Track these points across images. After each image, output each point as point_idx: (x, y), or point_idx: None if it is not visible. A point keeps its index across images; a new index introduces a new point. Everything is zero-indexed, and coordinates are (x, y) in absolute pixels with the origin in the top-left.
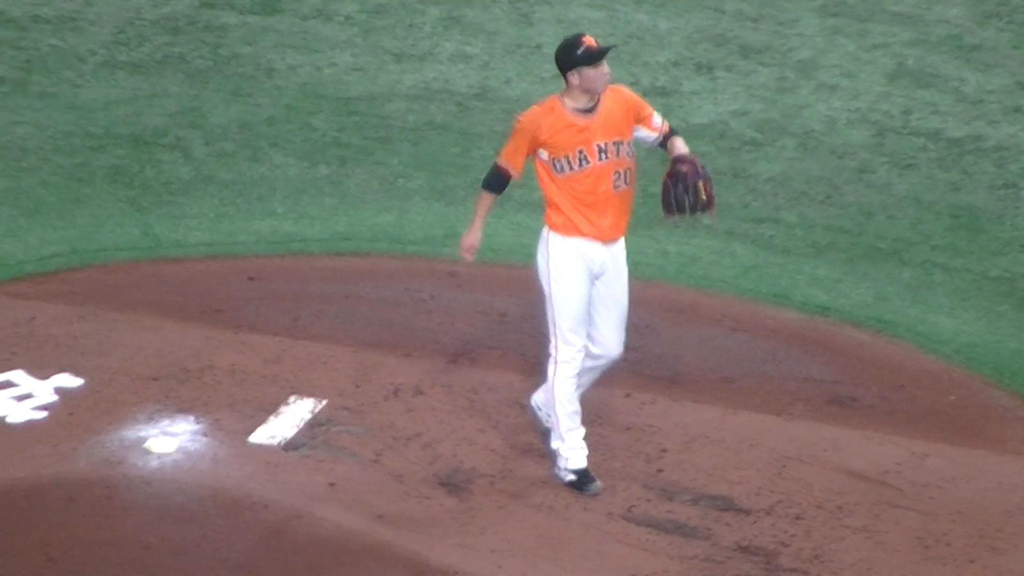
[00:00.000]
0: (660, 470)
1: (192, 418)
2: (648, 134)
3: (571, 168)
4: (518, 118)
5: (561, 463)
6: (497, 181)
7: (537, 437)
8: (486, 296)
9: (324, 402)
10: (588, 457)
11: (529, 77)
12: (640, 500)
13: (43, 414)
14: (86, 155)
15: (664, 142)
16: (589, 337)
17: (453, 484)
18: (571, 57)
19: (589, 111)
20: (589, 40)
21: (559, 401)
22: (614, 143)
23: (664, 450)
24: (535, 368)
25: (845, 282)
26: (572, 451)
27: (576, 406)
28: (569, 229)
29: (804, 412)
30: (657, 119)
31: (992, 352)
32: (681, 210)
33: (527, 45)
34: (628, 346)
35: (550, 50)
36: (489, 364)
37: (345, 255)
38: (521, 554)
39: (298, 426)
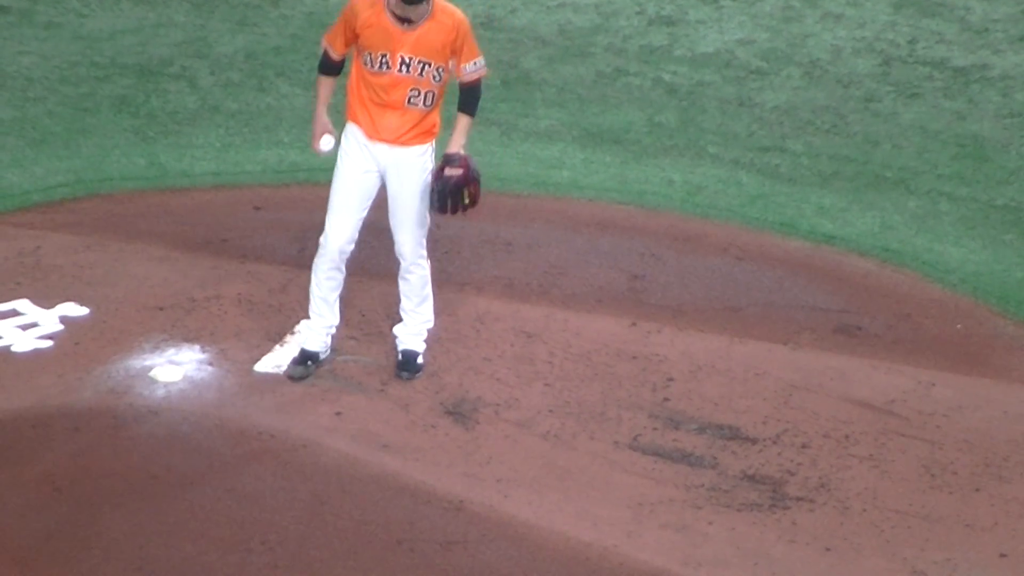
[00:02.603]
0: (666, 399)
1: (198, 347)
2: (453, 72)
3: (372, 66)
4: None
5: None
6: (324, 61)
7: (545, 367)
8: (491, 225)
9: None
10: (427, 354)
11: (535, 6)
12: (646, 429)
13: (48, 343)
14: (92, 85)
15: (461, 100)
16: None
17: (459, 413)
18: None
19: (409, 22)
20: None
21: (311, 282)
22: (419, 61)
23: (670, 379)
24: (541, 297)
25: (851, 211)
26: (309, 331)
27: (324, 294)
28: (352, 116)
29: (810, 341)
30: (469, 67)
31: (998, 281)
32: (443, 211)
33: None
34: (634, 274)
35: None
36: (494, 293)
37: None
38: (527, 483)
39: None
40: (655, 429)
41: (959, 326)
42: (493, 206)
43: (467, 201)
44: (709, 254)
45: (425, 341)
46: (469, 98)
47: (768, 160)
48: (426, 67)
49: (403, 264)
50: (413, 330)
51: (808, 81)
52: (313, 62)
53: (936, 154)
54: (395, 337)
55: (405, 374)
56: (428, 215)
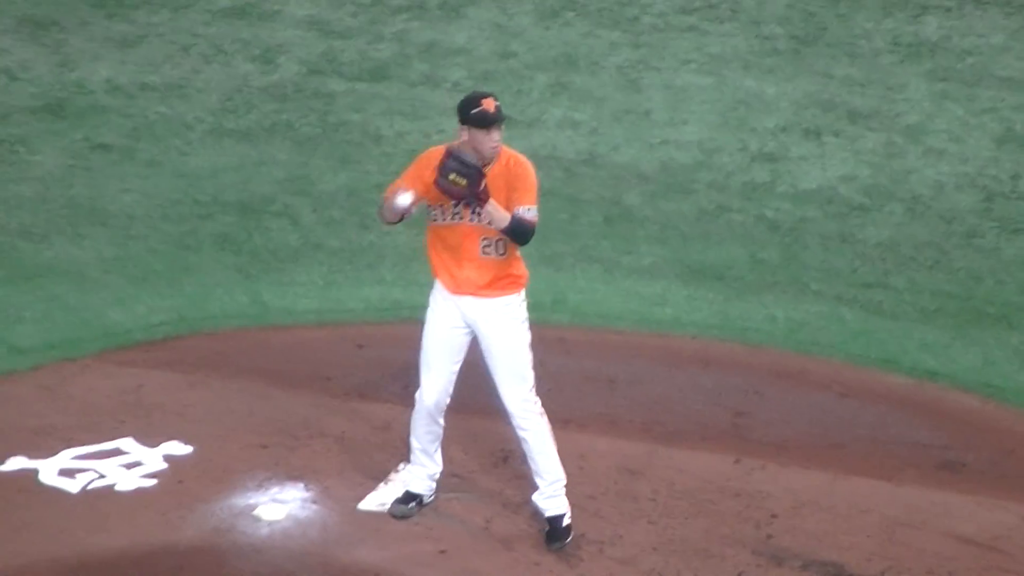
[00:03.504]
0: (770, 536)
1: (301, 485)
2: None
3: (442, 219)
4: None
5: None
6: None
7: (648, 504)
8: (594, 362)
9: None
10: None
11: (637, 143)
12: (750, 566)
13: (152, 482)
14: (194, 223)
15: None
16: None
17: (563, 551)
18: (465, 113)
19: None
20: (488, 103)
21: (411, 435)
22: None
23: (774, 516)
24: (644, 434)
25: (954, 347)
26: (409, 474)
27: (424, 445)
28: (435, 271)
29: (914, 477)
30: (521, 210)
31: None
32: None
33: (635, 111)
34: (737, 411)
35: (658, 116)
36: (598, 430)
37: None
38: None
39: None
40: (759, 566)
41: None
42: (596, 342)
43: (458, 181)
44: (812, 390)
45: (566, 498)
46: (520, 221)
47: (870, 296)
48: None
49: (512, 421)
50: (548, 493)
51: (910, 217)
52: None
53: None
54: (535, 505)
55: (556, 544)
56: (530, 369)
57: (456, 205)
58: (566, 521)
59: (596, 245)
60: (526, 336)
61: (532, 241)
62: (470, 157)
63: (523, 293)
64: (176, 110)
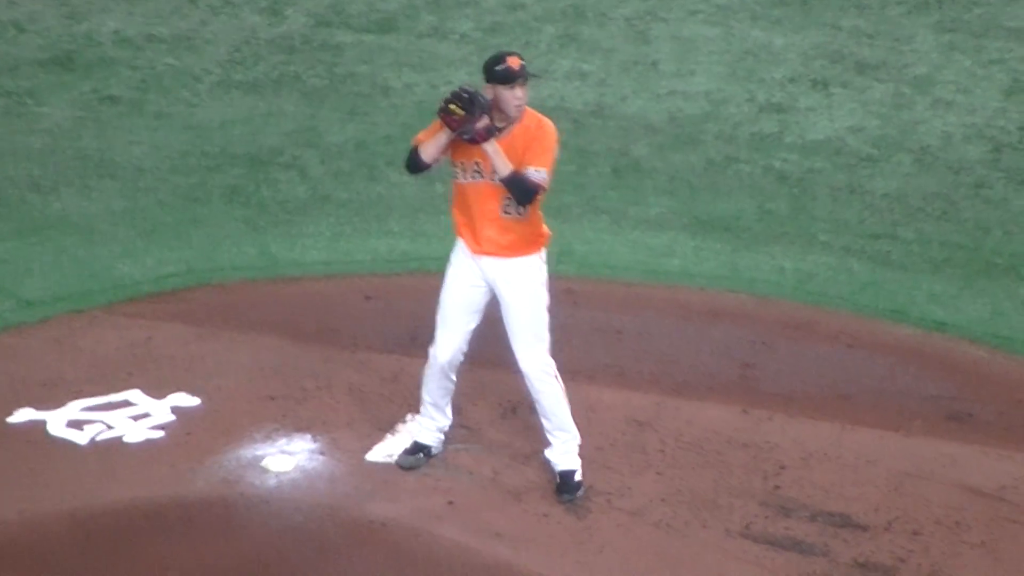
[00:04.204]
0: (777, 487)
1: (309, 437)
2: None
3: (463, 177)
4: None
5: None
6: (411, 160)
7: (656, 455)
8: (603, 313)
9: None
10: (585, 469)
11: (645, 94)
12: (758, 517)
13: (160, 434)
14: (202, 175)
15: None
16: None
17: (571, 502)
18: (490, 71)
19: (499, 130)
20: (513, 61)
21: (422, 388)
22: None
23: (782, 467)
24: (652, 386)
25: (962, 298)
26: (418, 426)
27: (435, 400)
28: (458, 230)
29: (922, 428)
30: (531, 171)
31: None
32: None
33: (643, 62)
34: (745, 362)
35: (666, 67)
36: (606, 382)
37: None
38: (640, 572)
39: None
40: (767, 517)
41: None
42: (603, 294)
43: (456, 111)
44: (820, 342)
45: (579, 455)
46: (522, 176)
47: (879, 247)
48: None
49: (527, 381)
50: (561, 449)
51: (919, 168)
52: None
53: None
54: (548, 461)
55: (566, 496)
56: (547, 331)
57: (478, 163)
58: (578, 476)
59: (604, 196)
60: (544, 297)
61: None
62: (482, 97)
63: (543, 253)
64: (184, 62)
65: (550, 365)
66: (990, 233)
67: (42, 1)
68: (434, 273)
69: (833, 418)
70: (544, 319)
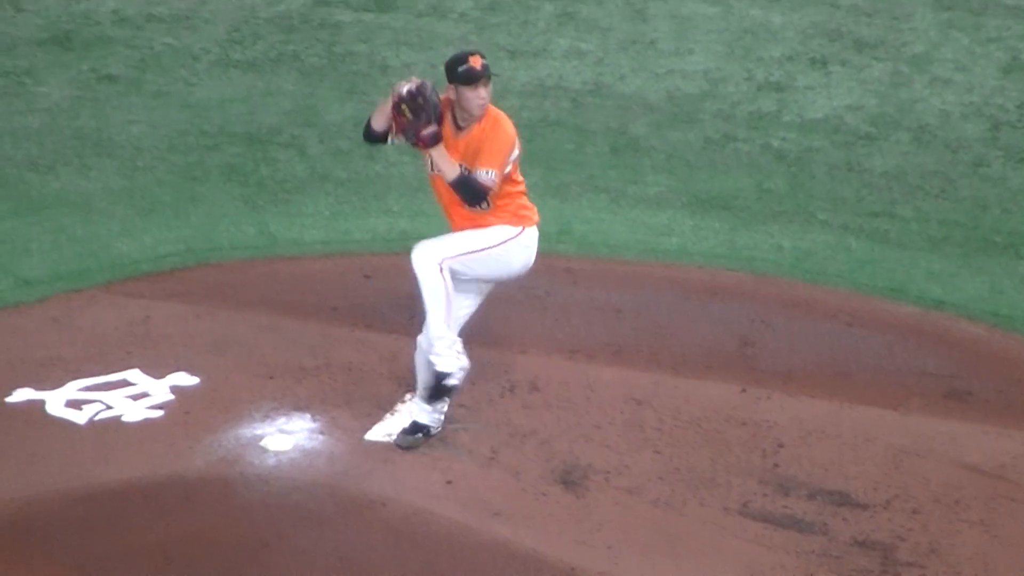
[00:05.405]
0: (776, 465)
1: (308, 416)
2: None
3: (430, 168)
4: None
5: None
6: (366, 130)
7: (654, 433)
8: (601, 292)
9: None
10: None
11: (643, 73)
12: (756, 495)
13: (159, 413)
14: (201, 153)
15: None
16: None
17: (569, 480)
18: (452, 72)
19: (461, 128)
20: (475, 60)
21: (416, 369)
22: (463, 168)
23: (780, 445)
24: (651, 364)
25: (960, 276)
26: (416, 406)
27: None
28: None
29: (920, 406)
30: (481, 173)
31: None
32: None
33: (641, 41)
34: (743, 340)
35: (665, 46)
36: (605, 360)
37: None
38: (638, 550)
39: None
40: (765, 495)
41: None
42: (602, 272)
43: (405, 112)
44: (819, 319)
45: (455, 359)
46: (469, 179)
47: (877, 225)
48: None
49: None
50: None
51: (917, 146)
52: None
53: None
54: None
55: (438, 405)
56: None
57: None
58: (452, 381)
59: (602, 175)
60: (489, 246)
61: (539, 171)
62: (434, 103)
63: (528, 232)
64: (183, 41)
65: (437, 265)
66: (988, 211)
67: None
68: None
69: (832, 396)
70: (468, 244)
